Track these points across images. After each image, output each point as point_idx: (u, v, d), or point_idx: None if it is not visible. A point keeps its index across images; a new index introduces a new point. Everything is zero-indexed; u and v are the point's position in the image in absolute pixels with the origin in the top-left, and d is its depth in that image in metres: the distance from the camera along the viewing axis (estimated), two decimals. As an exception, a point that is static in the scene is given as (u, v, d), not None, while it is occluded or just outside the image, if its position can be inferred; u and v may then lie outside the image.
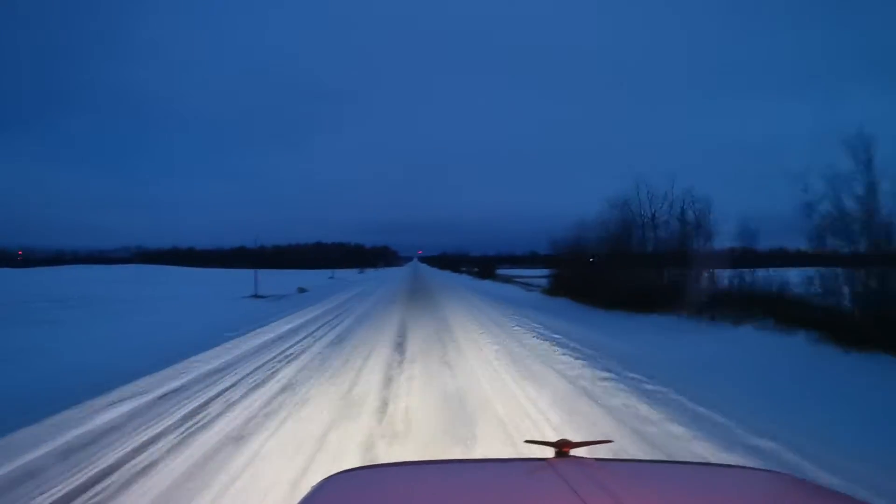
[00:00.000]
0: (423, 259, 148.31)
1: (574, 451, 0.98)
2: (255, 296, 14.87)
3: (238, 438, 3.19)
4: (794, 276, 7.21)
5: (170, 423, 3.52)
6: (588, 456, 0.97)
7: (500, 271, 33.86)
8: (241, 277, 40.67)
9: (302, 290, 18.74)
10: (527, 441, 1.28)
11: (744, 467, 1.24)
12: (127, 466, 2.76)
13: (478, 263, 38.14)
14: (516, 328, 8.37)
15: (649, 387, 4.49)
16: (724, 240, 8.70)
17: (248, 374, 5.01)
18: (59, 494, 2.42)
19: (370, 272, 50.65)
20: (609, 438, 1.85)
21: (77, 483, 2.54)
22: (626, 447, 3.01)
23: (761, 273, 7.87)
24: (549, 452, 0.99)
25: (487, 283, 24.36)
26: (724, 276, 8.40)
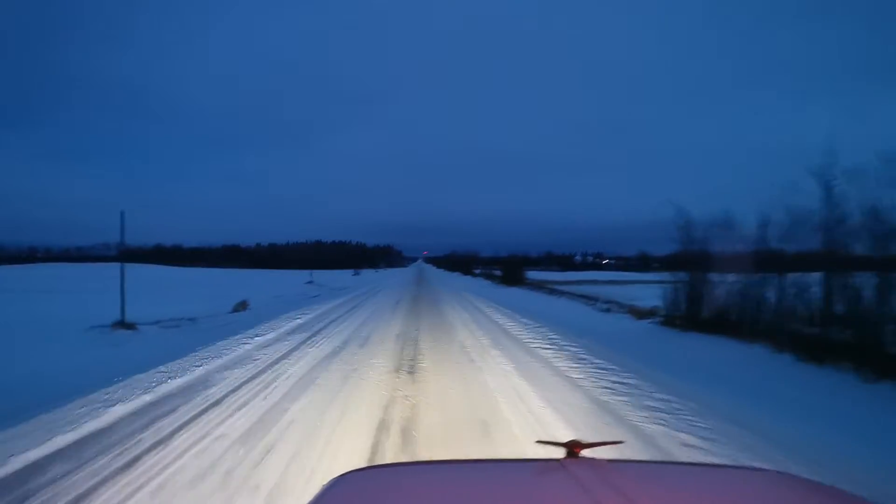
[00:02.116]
0: (429, 259, 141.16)
1: (585, 452, 0.95)
2: (121, 324, 7.91)
3: None
4: None
5: None
6: (599, 456, 0.92)
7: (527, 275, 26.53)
8: (201, 280, 33.81)
9: (239, 308, 11.82)
10: (538, 441, 1.17)
11: (756, 468, 1.09)
12: None
13: (498, 264, 30.65)
14: None
15: None
16: None
17: None
18: None
19: (368, 274, 43.49)
20: (620, 440, 1.68)
21: None
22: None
23: None
24: (560, 453, 0.97)
25: (522, 294, 17.23)
26: None
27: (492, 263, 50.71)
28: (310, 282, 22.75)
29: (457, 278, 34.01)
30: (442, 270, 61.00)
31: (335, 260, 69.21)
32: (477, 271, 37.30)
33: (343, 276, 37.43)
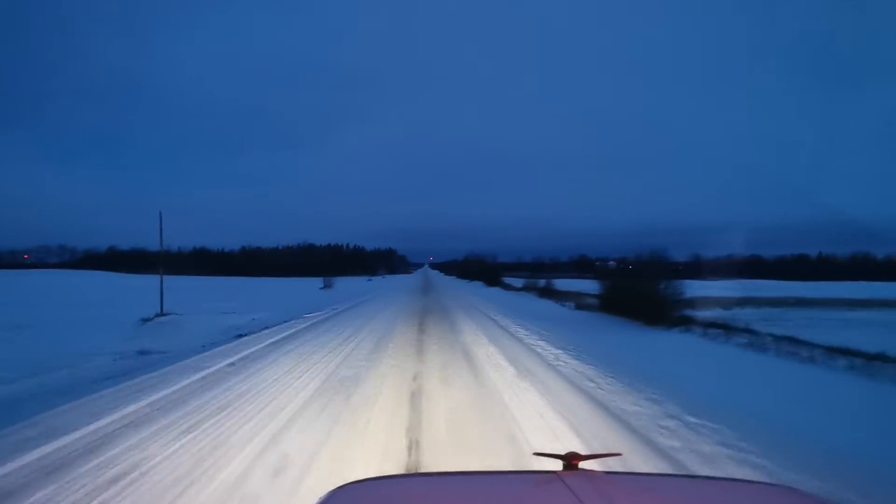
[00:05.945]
0: (435, 265, 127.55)
1: (583, 464, 0.93)
2: None
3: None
4: None
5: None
6: (597, 469, 0.90)
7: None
8: (106, 293, 20.92)
9: None
10: (535, 453, 1.12)
11: (756, 482, 1.04)
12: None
13: (600, 274, 15.94)
14: None
15: None
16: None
17: None
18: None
19: (351, 286, 29.99)
20: (618, 452, 1.76)
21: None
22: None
23: None
24: (558, 465, 0.94)
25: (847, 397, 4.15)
26: None
27: (525, 269, 36.95)
28: (155, 316, 9.69)
29: (487, 295, 20.87)
30: (453, 278, 47.65)
31: (327, 265, 56.53)
32: (518, 284, 24.00)
33: (307, 289, 24.55)
